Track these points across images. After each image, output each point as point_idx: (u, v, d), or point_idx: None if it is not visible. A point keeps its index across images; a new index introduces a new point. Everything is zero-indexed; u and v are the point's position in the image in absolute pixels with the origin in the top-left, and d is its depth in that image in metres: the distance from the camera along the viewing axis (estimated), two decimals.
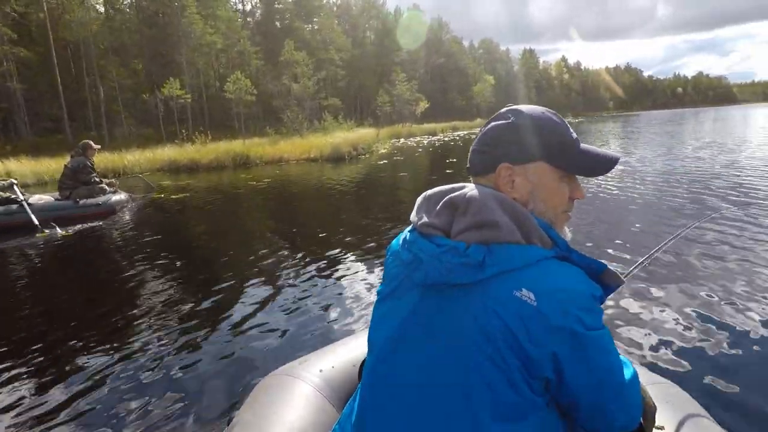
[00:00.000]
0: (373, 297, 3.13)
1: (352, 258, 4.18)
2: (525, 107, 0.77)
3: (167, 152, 15.87)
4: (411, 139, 29.54)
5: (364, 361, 0.85)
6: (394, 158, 16.09)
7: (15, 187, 6.44)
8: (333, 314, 2.96)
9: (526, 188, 0.74)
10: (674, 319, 2.59)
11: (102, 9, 31.43)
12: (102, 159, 14.22)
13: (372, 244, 4.60)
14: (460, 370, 0.64)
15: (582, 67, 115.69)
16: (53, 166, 13.07)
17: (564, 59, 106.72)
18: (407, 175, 11.11)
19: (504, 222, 0.66)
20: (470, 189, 0.72)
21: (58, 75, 23.76)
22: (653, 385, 1.13)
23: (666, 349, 2.30)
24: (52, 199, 6.73)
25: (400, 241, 0.77)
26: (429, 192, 0.76)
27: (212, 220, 6.79)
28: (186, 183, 11.14)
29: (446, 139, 28.23)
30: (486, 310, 0.63)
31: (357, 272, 3.77)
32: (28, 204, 6.21)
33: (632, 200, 6.10)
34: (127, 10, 33.02)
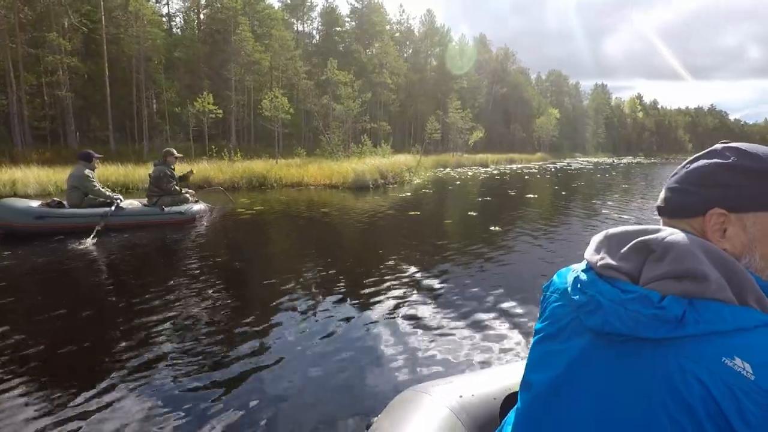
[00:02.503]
0: (496, 331, 3.21)
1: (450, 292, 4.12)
2: (748, 146, 0.66)
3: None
4: (458, 169, 27.50)
5: (507, 397, 0.83)
6: (423, 191, 14.09)
7: (119, 201, 6.76)
8: (458, 343, 2.98)
9: (740, 240, 0.63)
10: None
11: (166, 26, 32.65)
12: (116, 171, 13.62)
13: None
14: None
15: (659, 106, 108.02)
16: (55, 176, 12.52)
17: (639, 96, 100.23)
18: (418, 216, 9.05)
19: (714, 275, 0.56)
20: (669, 233, 0.62)
21: (108, 87, 24.22)
22: None
23: None
24: (140, 204, 7.05)
25: (569, 279, 0.69)
26: (613, 230, 0.68)
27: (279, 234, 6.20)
28: None
29: (495, 172, 25.87)
30: (682, 372, 0.53)
31: (457, 306, 3.75)
32: (119, 208, 6.60)
33: None
34: (197, 30, 34.23)
